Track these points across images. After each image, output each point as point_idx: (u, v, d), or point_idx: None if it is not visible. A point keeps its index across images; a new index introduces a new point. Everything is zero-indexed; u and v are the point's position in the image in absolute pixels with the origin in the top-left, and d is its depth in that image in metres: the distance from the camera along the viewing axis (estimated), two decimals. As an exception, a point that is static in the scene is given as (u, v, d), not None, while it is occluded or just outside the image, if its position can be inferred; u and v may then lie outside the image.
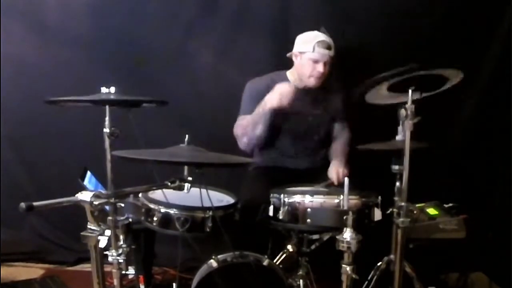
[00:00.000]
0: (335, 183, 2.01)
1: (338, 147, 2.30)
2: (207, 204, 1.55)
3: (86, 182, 1.88)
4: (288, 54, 2.23)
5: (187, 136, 1.49)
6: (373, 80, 1.65)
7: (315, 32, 2.15)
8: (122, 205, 1.56)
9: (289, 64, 2.27)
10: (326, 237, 1.87)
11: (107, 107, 1.49)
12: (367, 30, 2.50)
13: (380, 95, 1.77)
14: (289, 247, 1.91)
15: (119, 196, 1.35)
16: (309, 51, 2.10)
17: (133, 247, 1.61)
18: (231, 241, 1.63)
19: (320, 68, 2.11)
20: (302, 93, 2.21)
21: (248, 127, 2.11)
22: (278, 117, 2.15)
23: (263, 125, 2.08)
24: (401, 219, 1.53)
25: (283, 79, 2.23)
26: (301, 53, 2.15)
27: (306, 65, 2.14)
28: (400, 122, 1.57)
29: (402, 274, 1.58)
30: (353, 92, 1.74)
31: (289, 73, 2.27)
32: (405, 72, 1.53)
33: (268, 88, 2.14)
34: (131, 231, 1.61)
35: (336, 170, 2.08)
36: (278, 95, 1.98)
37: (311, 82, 2.16)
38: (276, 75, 2.26)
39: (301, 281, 1.89)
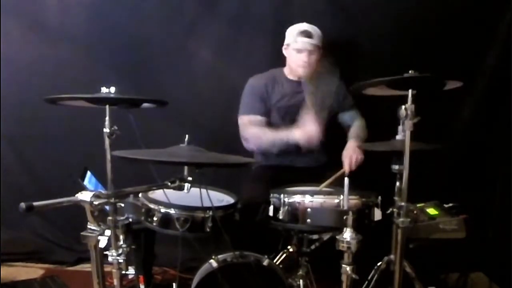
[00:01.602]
0: (347, 169, 2.00)
1: (354, 130, 2.29)
2: (207, 204, 1.55)
3: (86, 182, 1.88)
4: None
5: (187, 136, 1.49)
6: (369, 83, 1.65)
7: (301, 24, 2.19)
8: (122, 205, 1.56)
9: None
10: (326, 237, 1.87)
11: (107, 107, 1.49)
12: (368, 29, 2.51)
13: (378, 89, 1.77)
14: (289, 247, 1.91)
15: (119, 196, 1.35)
16: (293, 41, 2.16)
17: (133, 247, 1.60)
18: (231, 241, 1.63)
19: (304, 57, 2.15)
20: (297, 86, 2.25)
21: (264, 141, 2.14)
22: (278, 113, 2.18)
23: (278, 149, 2.14)
24: (401, 219, 1.53)
25: (282, 76, 2.29)
26: (287, 45, 2.21)
27: (292, 56, 2.19)
28: (400, 122, 1.56)
29: (402, 274, 1.58)
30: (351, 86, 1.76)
31: (285, 69, 2.32)
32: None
33: (266, 87, 2.22)
34: (131, 231, 1.61)
35: (349, 155, 2.06)
36: (308, 137, 2.01)
37: (299, 72, 2.21)
38: (276, 71, 2.32)
39: (301, 281, 1.88)
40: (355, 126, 2.32)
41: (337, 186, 1.88)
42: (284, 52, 2.26)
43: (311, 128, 2.01)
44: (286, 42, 2.22)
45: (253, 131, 2.16)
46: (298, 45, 2.14)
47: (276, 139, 2.11)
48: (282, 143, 2.10)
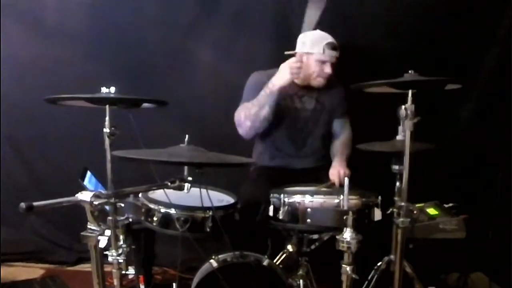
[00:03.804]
0: (336, 184, 2.00)
1: (338, 146, 2.29)
2: (207, 204, 1.54)
3: (86, 182, 1.88)
4: (288, 52, 2.21)
5: (187, 136, 1.49)
6: (370, 84, 1.66)
7: (320, 33, 2.17)
8: (122, 205, 1.56)
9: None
10: (326, 237, 1.87)
11: (107, 107, 1.49)
12: (367, 30, 2.51)
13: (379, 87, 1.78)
14: (289, 247, 1.91)
15: (119, 196, 1.35)
16: (319, 52, 2.12)
17: (133, 247, 1.61)
18: (231, 241, 1.63)
19: (328, 69, 2.14)
20: (298, 89, 2.24)
21: (252, 109, 2.09)
22: (276, 112, 2.16)
23: (269, 107, 2.07)
24: (401, 219, 1.53)
25: None
26: (308, 53, 2.14)
27: (313, 66, 2.15)
28: (400, 122, 1.57)
29: (402, 274, 1.58)
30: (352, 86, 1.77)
31: None
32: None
33: (268, 78, 2.16)
34: (131, 231, 1.61)
35: (337, 171, 2.06)
36: (288, 69, 1.99)
37: (319, 82, 2.19)
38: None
39: (301, 281, 1.89)
40: (341, 140, 2.31)
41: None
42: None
43: (289, 63, 2.01)
44: (306, 49, 2.14)
45: (241, 107, 2.15)
46: (326, 57, 2.12)
47: (259, 98, 2.07)
48: (266, 98, 2.05)
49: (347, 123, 2.35)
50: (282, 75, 2.01)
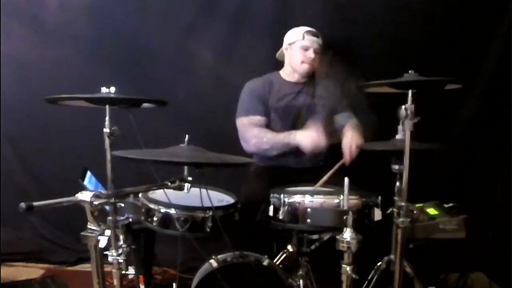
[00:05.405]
0: (347, 158, 2.02)
1: (349, 124, 2.25)
2: (207, 204, 1.55)
3: (86, 182, 1.88)
4: (277, 54, 2.33)
5: (187, 136, 1.50)
6: (370, 84, 1.66)
7: (302, 26, 2.25)
8: (122, 205, 1.56)
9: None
10: (326, 237, 1.87)
11: (107, 107, 1.49)
12: (367, 30, 2.50)
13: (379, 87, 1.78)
14: (289, 247, 1.91)
15: (119, 196, 1.35)
16: (299, 39, 2.21)
17: (133, 247, 1.61)
18: (231, 241, 1.63)
19: (311, 54, 2.20)
20: (294, 86, 2.26)
21: (263, 142, 2.14)
22: (276, 114, 2.20)
23: (278, 151, 2.15)
24: (401, 219, 1.53)
25: (278, 78, 2.31)
26: (291, 44, 2.25)
27: (297, 53, 2.23)
28: (400, 122, 1.57)
29: (402, 274, 1.58)
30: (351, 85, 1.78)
31: (281, 72, 2.33)
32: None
33: (263, 88, 2.24)
34: (131, 231, 1.61)
35: (349, 143, 2.05)
36: (311, 144, 2.03)
37: (304, 68, 2.23)
38: (271, 75, 2.33)
39: (301, 281, 1.89)
40: (350, 123, 2.30)
41: (337, 186, 1.88)
42: (285, 51, 2.28)
43: (317, 134, 2.03)
44: (289, 41, 2.25)
45: (254, 132, 2.16)
46: (306, 42, 2.19)
47: (277, 140, 2.12)
48: (283, 145, 2.11)
49: (351, 114, 2.34)
50: (307, 144, 2.04)
